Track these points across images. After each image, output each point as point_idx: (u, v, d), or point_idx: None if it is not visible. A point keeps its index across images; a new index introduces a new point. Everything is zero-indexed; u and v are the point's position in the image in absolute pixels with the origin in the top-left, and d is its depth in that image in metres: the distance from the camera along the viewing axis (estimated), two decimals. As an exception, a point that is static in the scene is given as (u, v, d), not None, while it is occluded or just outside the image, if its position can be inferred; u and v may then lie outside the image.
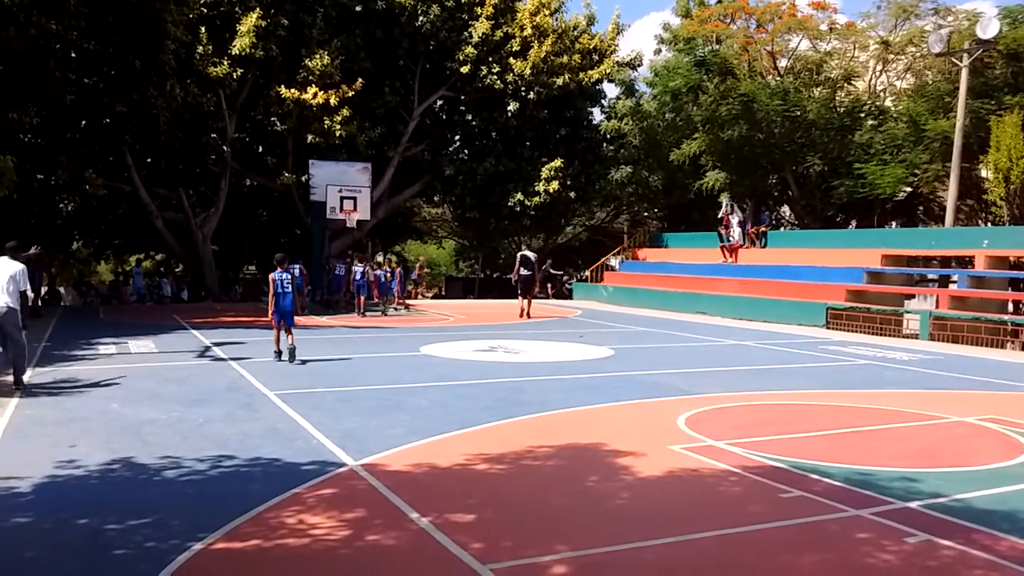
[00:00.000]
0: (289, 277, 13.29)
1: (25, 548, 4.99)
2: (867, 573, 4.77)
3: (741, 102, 28.12)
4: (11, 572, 4.65)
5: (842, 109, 29.13)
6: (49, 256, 31.10)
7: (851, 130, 28.33)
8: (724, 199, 28.40)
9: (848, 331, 19.55)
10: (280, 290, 13.09)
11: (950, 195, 23.59)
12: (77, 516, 5.52)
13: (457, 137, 33.17)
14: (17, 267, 10.49)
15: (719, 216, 27.94)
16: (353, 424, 8.50)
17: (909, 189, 29.04)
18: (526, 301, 22.85)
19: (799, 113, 28.18)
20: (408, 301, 27.07)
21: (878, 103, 30.12)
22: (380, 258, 35.24)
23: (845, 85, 30.30)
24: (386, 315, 22.94)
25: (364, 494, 6.13)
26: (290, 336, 13.18)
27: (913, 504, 6.00)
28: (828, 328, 20.09)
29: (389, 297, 24.27)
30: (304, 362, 13.04)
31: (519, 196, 30.08)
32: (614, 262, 32.47)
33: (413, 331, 18.84)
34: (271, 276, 13.31)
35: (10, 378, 10.56)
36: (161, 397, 9.90)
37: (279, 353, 13.22)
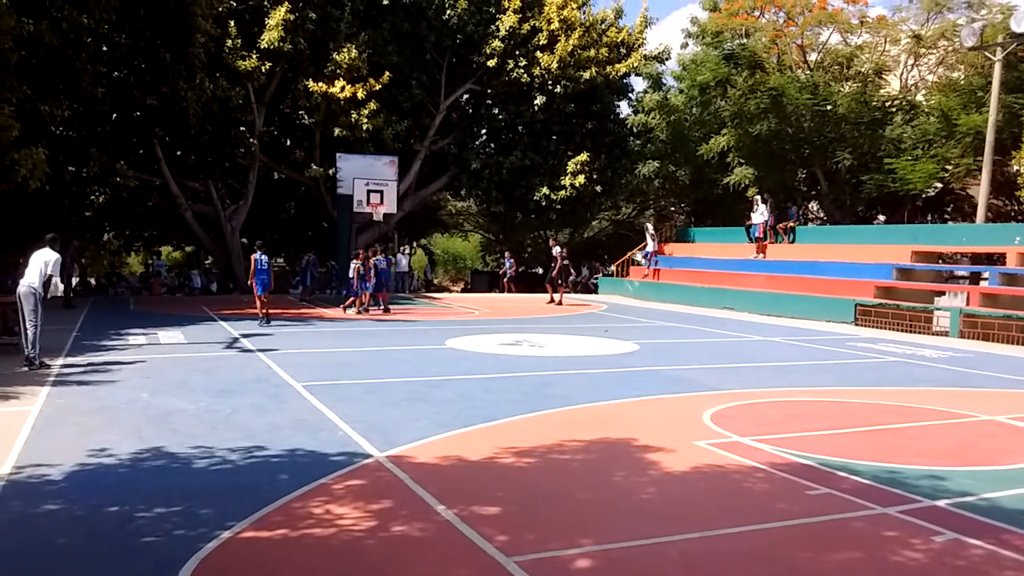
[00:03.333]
0: (268, 259, 17.88)
1: (57, 534, 5.08)
2: (894, 571, 4.74)
3: (770, 96, 27.89)
4: (44, 557, 4.73)
5: (873, 103, 28.81)
6: (80, 248, 31.47)
7: (882, 125, 28.01)
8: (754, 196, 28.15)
9: (877, 328, 19.35)
10: (259, 267, 17.37)
11: (982, 191, 23.27)
12: (108, 503, 5.61)
13: (483, 131, 33.15)
14: (52, 256, 11.49)
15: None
16: (379, 416, 8.54)
17: (940, 185, 28.71)
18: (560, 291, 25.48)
19: (829, 107, 27.90)
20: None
21: (909, 97, 29.77)
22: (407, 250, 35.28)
23: (876, 79, 29.96)
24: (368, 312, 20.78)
25: (390, 486, 6.17)
26: (265, 304, 17.48)
27: (941, 503, 5.95)
28: (857, 325, 19.90)
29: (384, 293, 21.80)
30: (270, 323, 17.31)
31: (545, 190, 30.06)
32: (640, 257, 32.32)
33: (438, 324, 18.89)
34: (252, 256, 17.48)
35: (27, 353, 11.34)
36: (190, 387, 10.01)
37: (264, 318, 17.36)
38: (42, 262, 11.41)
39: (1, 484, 6.02)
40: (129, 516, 5.37)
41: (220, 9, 24.45)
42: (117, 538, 5.01)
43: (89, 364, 11.77)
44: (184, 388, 9.96)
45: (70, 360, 12.12)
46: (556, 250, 25.66)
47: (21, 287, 11.41)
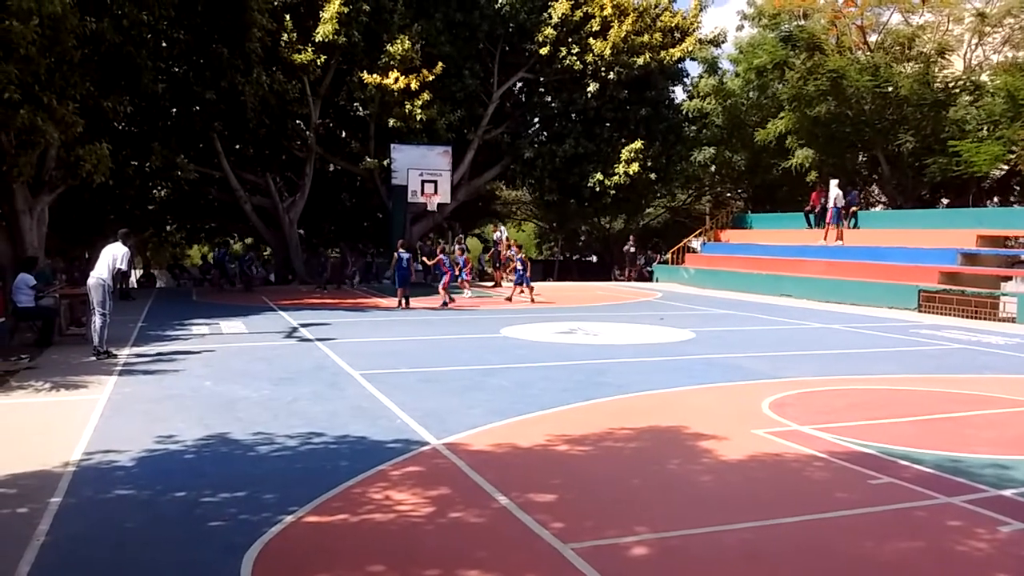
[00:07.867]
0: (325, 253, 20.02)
1: (126, 518, 5.24)
2: (958, 561, 4.65)
3: (829, 78, 27.33)
4: (112, 541, 4.89)
5: (936, 84, 28.05)
6: (143, 240, 32.21)
7: (945, 106, 27.28)
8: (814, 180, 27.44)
9: (941, 314, 18.91)
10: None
11: (1051, 173, 22.57)
12: (174, 489, 5.76)
13: (536, 119, 33.09)
14: (121, 250, 11.91)
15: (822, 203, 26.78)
16: (436, 404, 8.62)
17: (1006, 167, 27.87)
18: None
19: (890, 89, 27.25)
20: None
21: (973, 78, 28.93)
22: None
23: (939, 59, 29.16)
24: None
25: (447, 472, 6.23)
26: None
27: (1007, 492, 5.81)
28: (920, 311, 19.47)
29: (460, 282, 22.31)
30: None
31: (599, 176, 29.89)
32: (696, 244, 32.02)
33: (493, 313, 18.96)
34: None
35: (94, 343, 11.70)
36: (252, 376, 10.21)
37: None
38: (111, 256, 11.77)
39: (72, 470, 6.22)
40: (195, 501, 5.52)
41: (275, 3, 24.79)
42: (183, 522, 5.15)
43: (154, 354, 12.07)
44: (246, 376, 10.16)
45: (136, 350, 12.45)
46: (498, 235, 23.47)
47: (91, 279, 11.79)
